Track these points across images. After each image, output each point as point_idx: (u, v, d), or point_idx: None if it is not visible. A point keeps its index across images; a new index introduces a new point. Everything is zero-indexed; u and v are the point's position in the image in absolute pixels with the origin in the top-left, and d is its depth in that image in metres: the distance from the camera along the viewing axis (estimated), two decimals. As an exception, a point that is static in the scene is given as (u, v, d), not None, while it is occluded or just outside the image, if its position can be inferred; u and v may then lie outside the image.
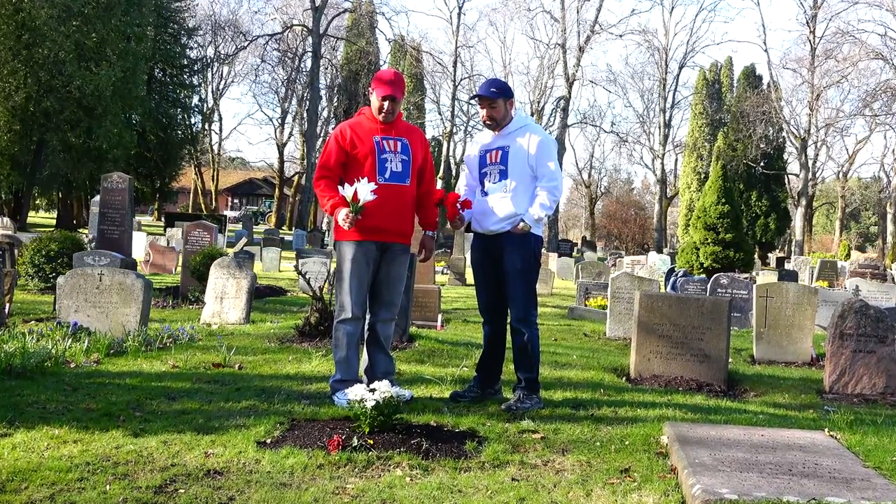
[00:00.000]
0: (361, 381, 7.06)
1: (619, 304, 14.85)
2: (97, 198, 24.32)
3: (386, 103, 7.19)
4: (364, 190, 6.81)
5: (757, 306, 12.62)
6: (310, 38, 66.67)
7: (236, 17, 77.22)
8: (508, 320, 7.65)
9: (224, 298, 13.73)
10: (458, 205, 7.35)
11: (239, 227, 58.22)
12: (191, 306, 16.54)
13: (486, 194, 7.48)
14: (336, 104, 75.73)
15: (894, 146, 74.17)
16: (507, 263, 7.39)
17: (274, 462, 5.40)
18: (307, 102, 69.69)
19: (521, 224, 7.29)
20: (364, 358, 7.64)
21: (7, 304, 12.42)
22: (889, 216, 69.49)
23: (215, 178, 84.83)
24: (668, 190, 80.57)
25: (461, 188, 7.83)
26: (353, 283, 7.22)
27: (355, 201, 6.83)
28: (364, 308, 7.40)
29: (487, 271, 7.63)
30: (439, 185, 66.61)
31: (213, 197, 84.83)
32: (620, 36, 74.50)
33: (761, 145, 64.46)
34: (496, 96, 7.40)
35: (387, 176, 7.16)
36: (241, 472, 5.21)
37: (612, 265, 39.95)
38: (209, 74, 78.35)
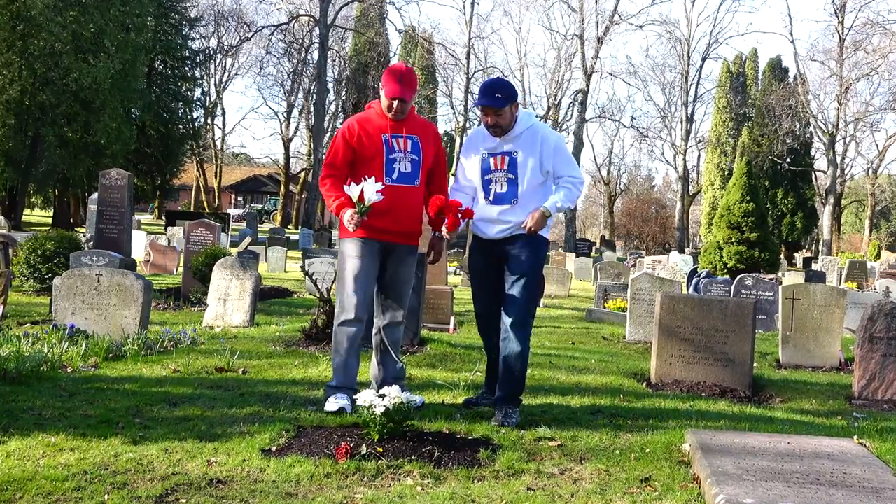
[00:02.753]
0: (356, 389, 7.03)
1: (639, 306, 14.83)
2: (95, 195, 24.41)
3: (395, 103, 7.06)
4: (370, 189, 6.72)
5: (783, 309, 12.59)
6: (317, 29, 66.52)
7: (240, 7, 77.12)
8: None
9: (227, 300, 13.75)
10: (459, 214, 7.07)
11: (243, 225, 58.28)
12: (193, 308, 16.57)
13: (492, 203, 7.25)
14: (344, 97, 75.75)
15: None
16: (514, 266, 7.16)
17: (279, 471, 5.41)
18: (314, 96, 69.50)
19: (542, 209, 7.08)
20: (373, 364, 7.60)
21: (1, 306, 12.46)
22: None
23: (218, 174, 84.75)
24: (690, 187, 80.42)
25: (452, 189, 7.54)
26: (356, 282, 7.07)
27: (361, 201, 6.76)
28: (368, 309, 7.25)
29: (491, 276, 7.39)
30: (451, 181, 66.38)
31: (216, 194, 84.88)
32: (640, 27, 74.60)
33: (787, 141, 64.42)
34: (503, 104, 7.09)
35: (394, 177, 7.07)
36: (245, 482, 5.22)
37: (631, 266, 39.90)
38: (212, 67, 78.43)
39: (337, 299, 7.33)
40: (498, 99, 7.08)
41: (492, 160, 7.24)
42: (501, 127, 7.15)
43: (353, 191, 6.78)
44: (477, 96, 7.37)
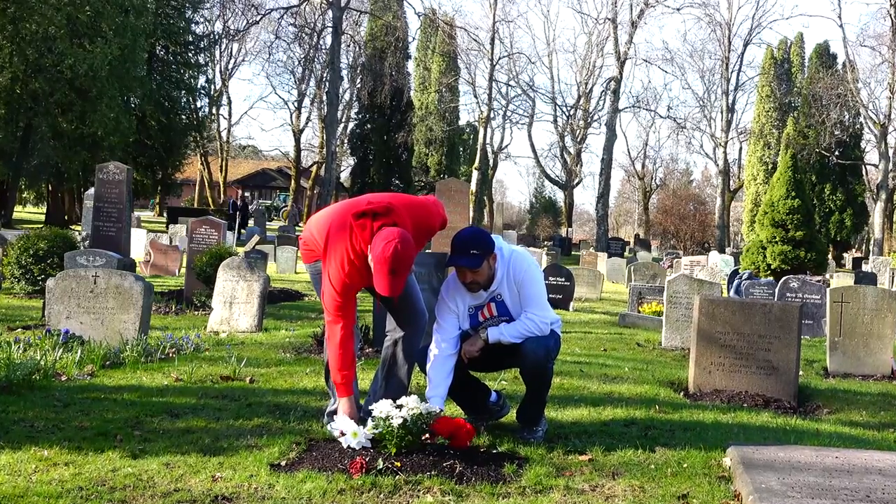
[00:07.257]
0: (359, 406, 6.86)
1: (676, 310, 14.80)
2: (91, 190, 24.44)
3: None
4: (357, 438, 6.26)
5: (831, 313, 12.55)
6: (330, 12, 66.21)
7: (247, -12, 77.23)
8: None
9: (233, 303, 13.77)
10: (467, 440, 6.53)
11: (250, 223, 58.32)
12: (196, 312, 16.61)
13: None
14: (359, 85, 75.45)
15: None
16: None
17: (289, 487, 5.41)
18: (326, 84, 69.35)
19: (483, 338, 6.88)
20: (376, 376, 7.28)
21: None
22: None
23: (224, 168, 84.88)
24: (731, 182, 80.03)
25: (436, 328, 7.02)
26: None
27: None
28: (355, 315, 6.85)
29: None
30: (475, 175, 66.52)
31: (222, 189, 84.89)
32: (678, 9, 74.19)
33: (836, 132, 64.09)
34: (479, 262, 6.71)
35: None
36: (252, 499, 5.23)
37: (668, 266, 39.87)
38: (217, 52, 78.41)
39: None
40: (474, 257, 6.70)
41: (480, 314, 7.04)
42: (479, 284, 6.86)
43: (347, 416, 6.47)
44: (449, 252, 6.94)
